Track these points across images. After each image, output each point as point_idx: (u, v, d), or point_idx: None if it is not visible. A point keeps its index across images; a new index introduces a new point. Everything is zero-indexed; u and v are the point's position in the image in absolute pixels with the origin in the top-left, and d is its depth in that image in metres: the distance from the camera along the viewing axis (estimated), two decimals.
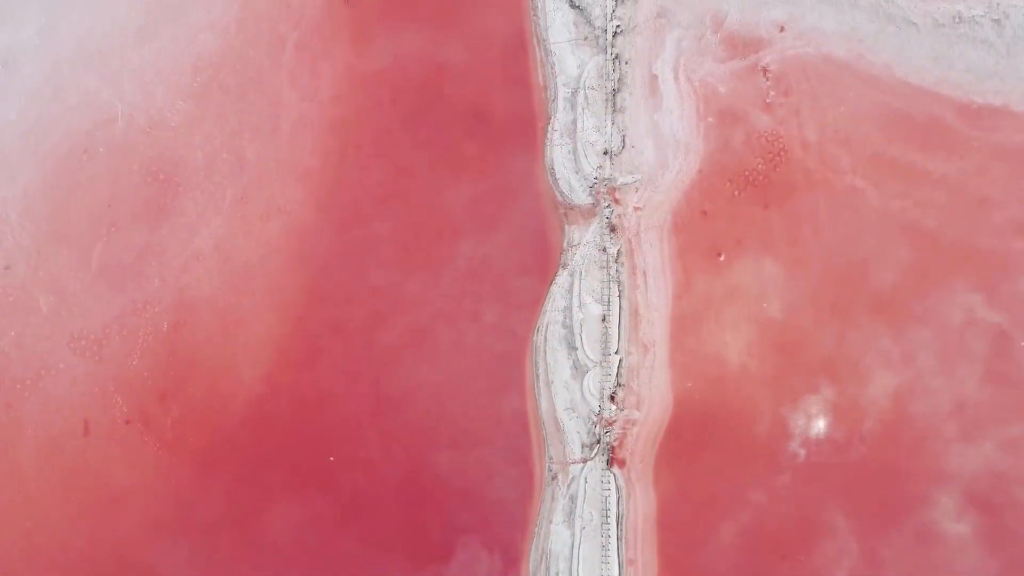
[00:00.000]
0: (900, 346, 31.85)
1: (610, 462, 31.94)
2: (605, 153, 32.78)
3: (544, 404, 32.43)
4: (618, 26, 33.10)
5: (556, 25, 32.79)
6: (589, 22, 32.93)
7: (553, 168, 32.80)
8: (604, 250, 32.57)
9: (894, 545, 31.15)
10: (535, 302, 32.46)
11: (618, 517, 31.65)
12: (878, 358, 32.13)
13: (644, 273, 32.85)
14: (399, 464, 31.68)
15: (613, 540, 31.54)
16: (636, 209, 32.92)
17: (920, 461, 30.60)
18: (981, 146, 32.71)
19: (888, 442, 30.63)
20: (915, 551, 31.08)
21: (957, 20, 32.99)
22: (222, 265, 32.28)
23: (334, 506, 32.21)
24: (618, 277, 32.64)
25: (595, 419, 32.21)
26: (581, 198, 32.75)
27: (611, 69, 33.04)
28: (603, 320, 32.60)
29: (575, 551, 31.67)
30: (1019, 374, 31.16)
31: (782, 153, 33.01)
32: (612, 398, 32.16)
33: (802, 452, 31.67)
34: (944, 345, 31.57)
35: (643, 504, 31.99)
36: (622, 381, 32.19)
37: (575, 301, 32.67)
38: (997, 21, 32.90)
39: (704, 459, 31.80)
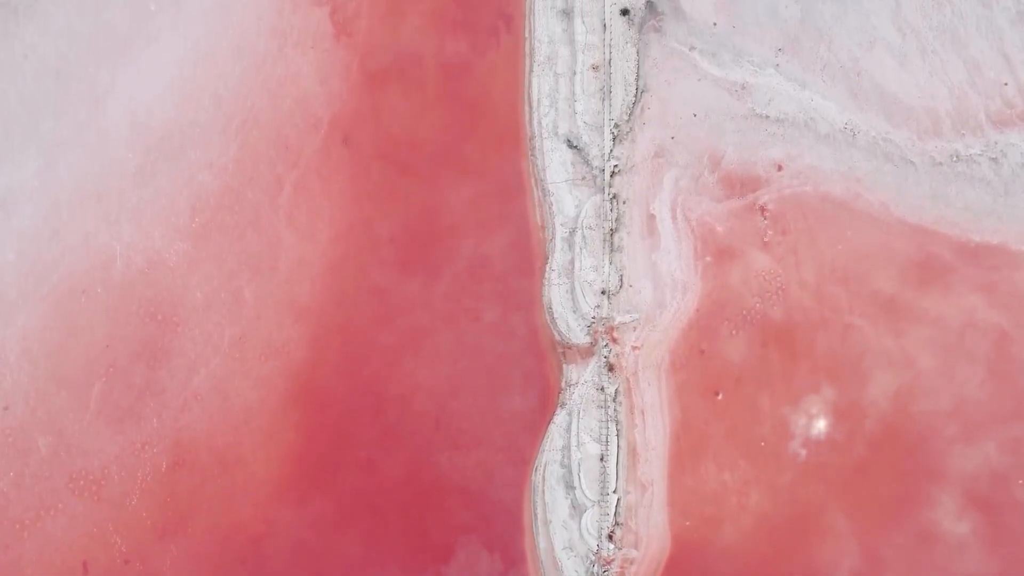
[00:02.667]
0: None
1: None
2: (603, 292, 32.76)
3: (542, 543, 32.42)
4: (616, 166, 33.07)
5: (554, 165, 32.76)
6: (587, 162, 32.90)
7: (551, 308, 32.77)
8: (602, 389, 32.56)
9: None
10: (533, 442, 32.44)
11: None
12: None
13: (642, 412, 32.82)
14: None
15: None
16: (634, 348, 32.89)
17: None
18: (980, 285, 32.66)
19: None
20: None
21: (955, 159, 32.93)
22: (220, 405, 32.26)
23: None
24: (616, 416, 32.62)
25: (593, 558, 32.21)
26: (579, 337, 32.75)
27: (609, 209, 33.00)
28: (601, 459, 32.57)
29: None
30: None
31: (780, 292, 32.96)
32: (610, 537, 32.15)
33: None
34: None
35: None
36: (620, 520, 32.19)
37: (573, 440, 32.66)
38: (994, 160, 32.83)
39: None
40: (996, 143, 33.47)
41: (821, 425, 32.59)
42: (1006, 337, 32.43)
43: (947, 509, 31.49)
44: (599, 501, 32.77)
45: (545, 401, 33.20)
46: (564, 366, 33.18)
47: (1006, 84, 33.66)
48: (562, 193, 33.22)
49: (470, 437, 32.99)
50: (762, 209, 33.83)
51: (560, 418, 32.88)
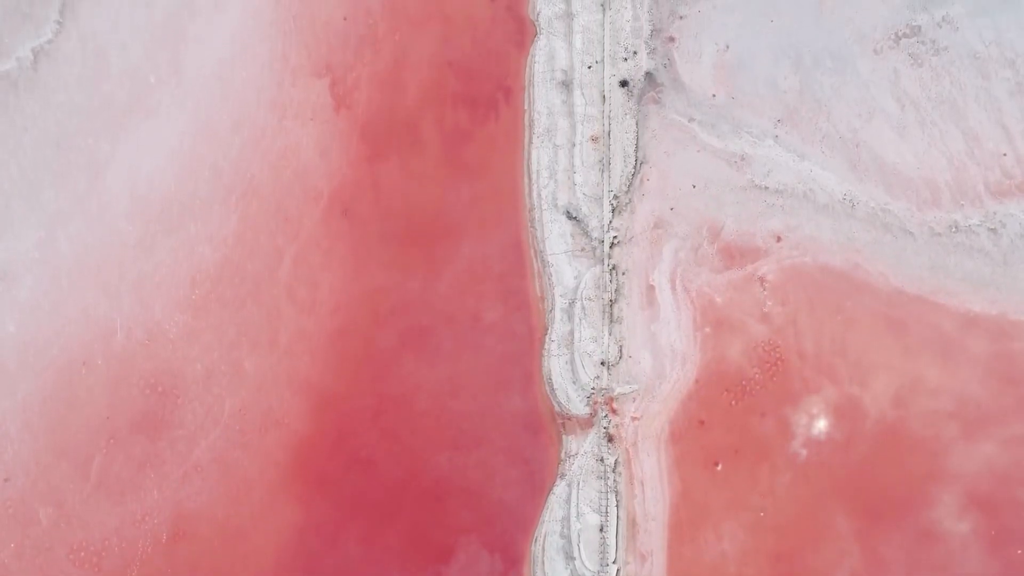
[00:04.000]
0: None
1: None
2: (602, 363, 32.78)
3: None
4: (615, 237, 33.08)
5: (553, 236, 32.79)
6: (586, 233, 32.91)
7: (551, 378, 32.80)
8: (602, 460, 32.57)
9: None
10: (533, 513, 32.47)
11: None
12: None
13: (642, 483, 32.82)
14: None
15: None
16: (634, 419, 32.91)
17: None
18: (979, 355, 32.68)
19: None
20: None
21: (953, 229, 32.93)
22: (221, 477, 32.29)
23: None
24: (616, 487, 32.64)
25: None
26: (579, 408, 32.77)
27: (608, 280, 33.02)
28: (601, 530, 32.59)
29: None
30: None
31: (779, 363, 32.99)
32: None
33: None
34: None
35: None
36: None
37: (573, 511, 32.67)
38: (993, 230, 32.83)
39: None
40: (995, 213, 33.48)
41: None
42: (1005, 409, 32.55)
43: None
44: (599, 572, 32.78)
45: (544, 472, 33.23)
46: (564, 437, 33.23)
47: (1005, 154, 33.66)
48: (561, 264, 33.29)
49: (474, 515, 32.99)
50: (761, 280, 33.86)
51: (560, 489, 32.93)
